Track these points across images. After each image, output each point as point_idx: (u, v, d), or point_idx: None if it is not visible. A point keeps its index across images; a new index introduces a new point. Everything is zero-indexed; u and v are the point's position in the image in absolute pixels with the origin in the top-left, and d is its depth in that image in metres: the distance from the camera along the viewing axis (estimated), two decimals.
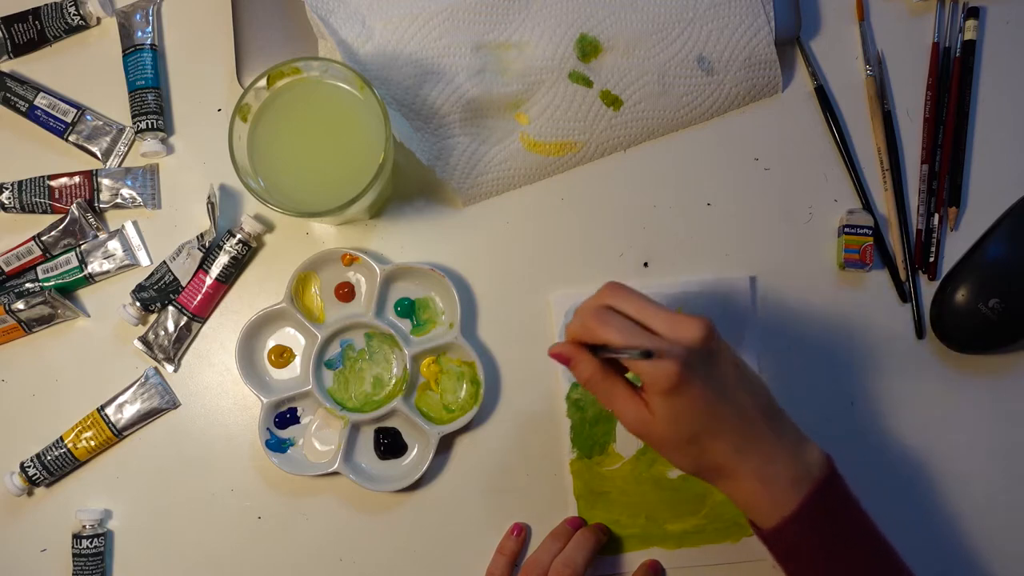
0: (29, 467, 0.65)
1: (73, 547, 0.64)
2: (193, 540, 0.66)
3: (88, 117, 0.67)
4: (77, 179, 0.66)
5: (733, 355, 0.51)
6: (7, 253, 0.66)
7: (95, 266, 0.66)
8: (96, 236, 0.67)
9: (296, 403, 0.66)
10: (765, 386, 0.53)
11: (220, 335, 0.67)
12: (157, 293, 0.66)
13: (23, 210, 0.67)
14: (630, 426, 0.51)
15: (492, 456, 0.66)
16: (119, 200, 0.67)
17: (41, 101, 0.67)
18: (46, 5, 0.67)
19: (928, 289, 0.66)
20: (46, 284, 0.66)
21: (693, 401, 0.48)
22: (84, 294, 0.67)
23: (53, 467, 0.65)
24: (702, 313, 0.65)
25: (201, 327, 0.67)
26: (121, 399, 0.65)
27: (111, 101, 0.68)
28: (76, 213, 0.66)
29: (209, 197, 0.65)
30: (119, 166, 0.68)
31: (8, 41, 0.68)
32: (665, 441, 0.50)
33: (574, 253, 0.67)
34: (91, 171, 0.67)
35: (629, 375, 0.53)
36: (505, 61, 0.64)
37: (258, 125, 0.58)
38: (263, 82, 0.56)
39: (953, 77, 0.67)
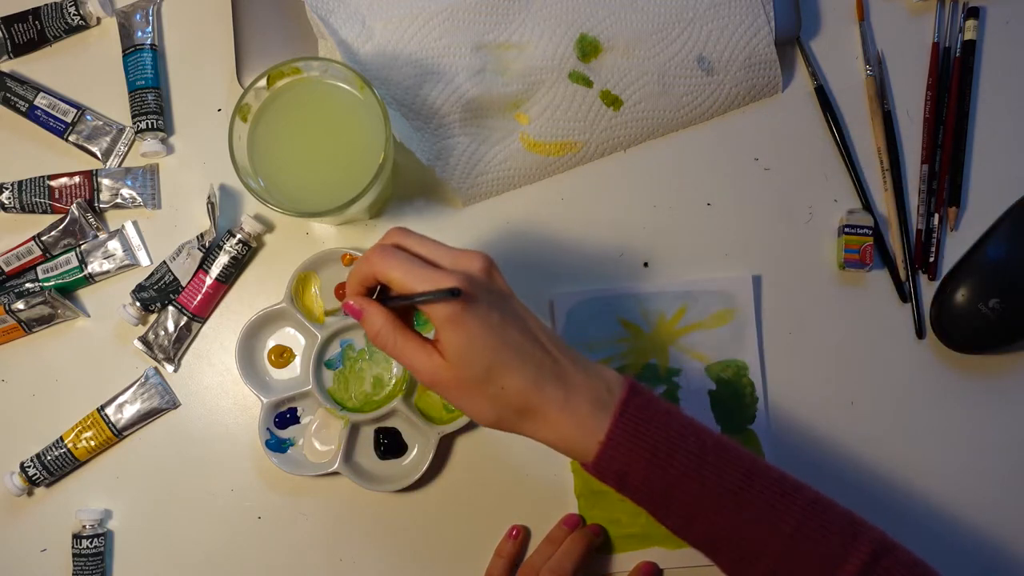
0: (29, 467, 0.65)
1: (73, 547, 0.64)
2: (193, 540, 0.66)
3: (88, 117, 0.67)
4: (77, 179, 0.67)
5: (506, 284, 0.50)
6: (7, 253, 0.66)
7: (95, 266, 0.66)
8: (96, 236, 0.67)
9: (296, 403, 0.66)
10: (543, 322, 0.51)
11: (220, 335, 0.67)
12: (157, 293, 0.66)
13: (23, 210, 0.67)
14: (425, 376, 0.49)
15: (492, 456, 0.66)
16: (119, 200, 0.67)
17: (41, 101, 0.67)
18: (46, 5, 0.67)
19: (928, 289, 0.66)
20: (46, 284, 0.66)
21: (482, 328, 0.47)
22: (84, 294, 0.67)
23: (53, 467, 0.65)
24: (702, 312, 0.66)
25: (201, 327, 0.67)
26: (121, 399, 0.65)
27: (111, 101, 0.68)
28: (76, 213, 0.66)
29: (209, 197, 0.65)
30: (119, 166, 0.68)
31: (8, 41, 0.68)
32: (460, 384, 0.48)
33: (574, 253, 0.67)
34: (91, 171, 0.67)
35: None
36: (505, 61, 0.64)
37: (258, 125, 0.58)
38: (263, 82, 0.56)
39: (953, 77, 0.67)
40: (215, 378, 0.67)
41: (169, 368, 0.67)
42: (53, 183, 0.66)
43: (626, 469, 0.48)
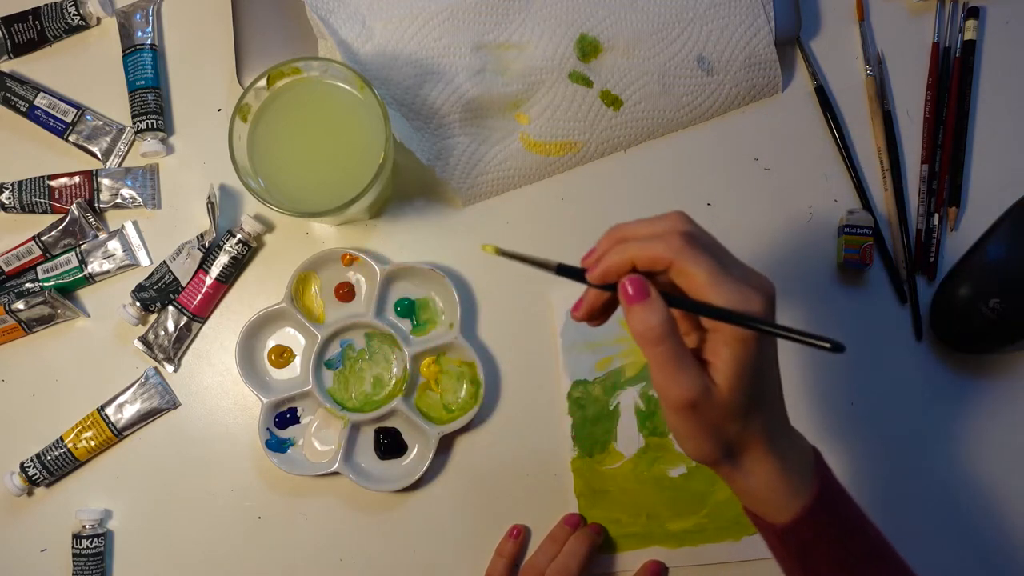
0: (29, 467, 0.65)
1: (73, 547, 0.64)
2: (193, 540, 0.66)
3: (88, 117, 0.67)
4: (77, 179, 0.67)
5: None
6: (7, 253, 0.66)
7: (95, 266, 0.66)
8: (96, 236, 0.67)
9: (296, 403, 0.66)
10: None
11: (220, 335, 0.67)
12: (157, 293, 0.66)
13: (23, 210, 0.67)
14: (688, 394, 0.42)
15: (492, 456, 0.66)
16: (119, 200, 0.67)
17: (41, 101, 0.67)
18: (46, 5, 0.67)
19: (928, 289, 0.66)
20: (46, 284, 0.66)
21: (763, 356, 0.42)
22: (84, 294, 0.67)
23: (53, 467, 0.65)
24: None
25: (201, 327, 0.67)
26: (121, 399, 0.65)
27: (111, 101, 0.68)
28: (76, 213, 0.66)
29: (209, 197, 0.65)
30: (119, 166, 0.68)
31: (8, 41, 0.68)
32: (717, 412, 0.43)
33: (574, 253, 0.67)
34: (91, 171, 0.67)
35: None
36: (505, 61, 0.64)
37: (258, 125, 0.58)
38: (263, 82, 0.56)
39: (953, 77, 0.67)
40: (215, 378, 0.67)
41: (169, 368, 0.67)
42: (53, 183, 0.66)
43: (813, 541, 0.46)
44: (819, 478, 0.46)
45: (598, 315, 0.47)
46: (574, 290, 0.66)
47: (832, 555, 0.47)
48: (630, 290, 0.42)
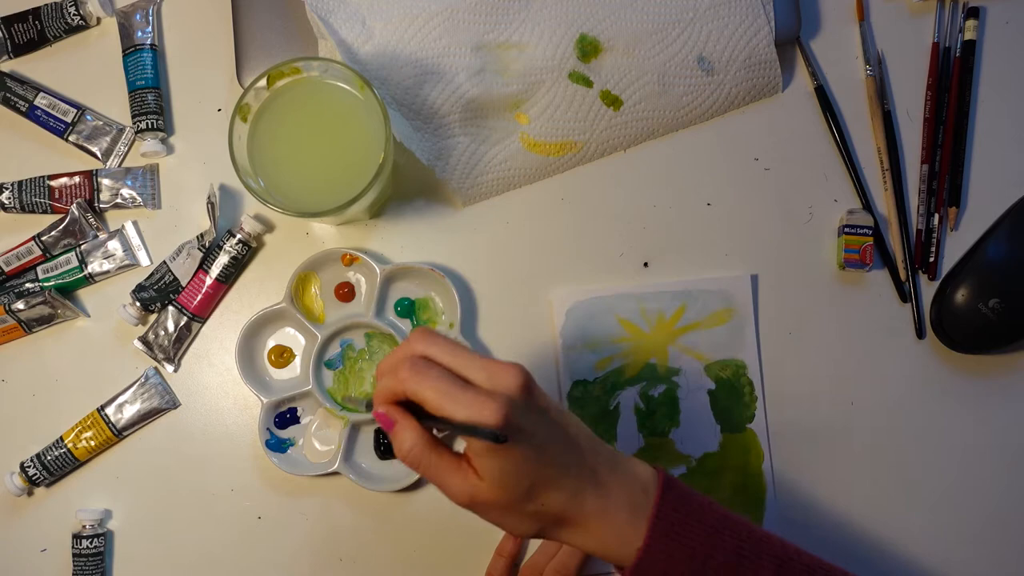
0: (29, 467, 0.65)
1: (73, 547, 0.64)
2: (193, 540, 0.66)
3: (88, 117, 0.67)
4: (77, 179, 0.67)
5: (549, 397, 0.48)
6: (7, 253, 0.66)
7: (95, 266, 0.66)
8: (96, 236, 0.67)
9: (296, 403, 0.66)
10: (583, 423, 0.50)
11: (220, 335, 0.67)
12: (157, 293, 0.66)
13: (23, 210, 0.67)
14: (461, 499, 0.46)
15: None
16: (119, 200, 0.67)
17: (41, 101, 0.67)
18: (46, 5, 0.67)
19: (928, 289, 0.66)
20: (46, 284, 0.66)
21: (521, 452, 0.45)
22: (84, 294, 0.67)
23: (53, 467, 0.65)
24: (701, 312, 0.66)
25: (201, 327, 0.67)
26: (121, 399, 0.65)
27: (111, 101, 0.68)
28: (76, 213, 0.66)
29: (209, 197, 0.65)
30: (119, 166, 0.68)
31: (8, 41, 0.68)
32: (499, 506, 0.46)
33: (574, 253, 0.67)
34: (91, 171, 0.67)
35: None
36: (505, 61, 0.64)
37: (258, 125, 0.58)
38: (263, 82, 0.56)
39: (953, 77, 0.67)
40: (215, 378, 0.67)
41: (169, 368, 0.67)
42: (53, 183, 0.66)
43: (665, 572, 0.47)
44: (655, 507, 0.47)
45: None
46: (574, 290, 0.66)
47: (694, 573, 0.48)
48: (379, 421, 0.47)
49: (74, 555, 0.64)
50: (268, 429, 0.65)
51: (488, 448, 0.44)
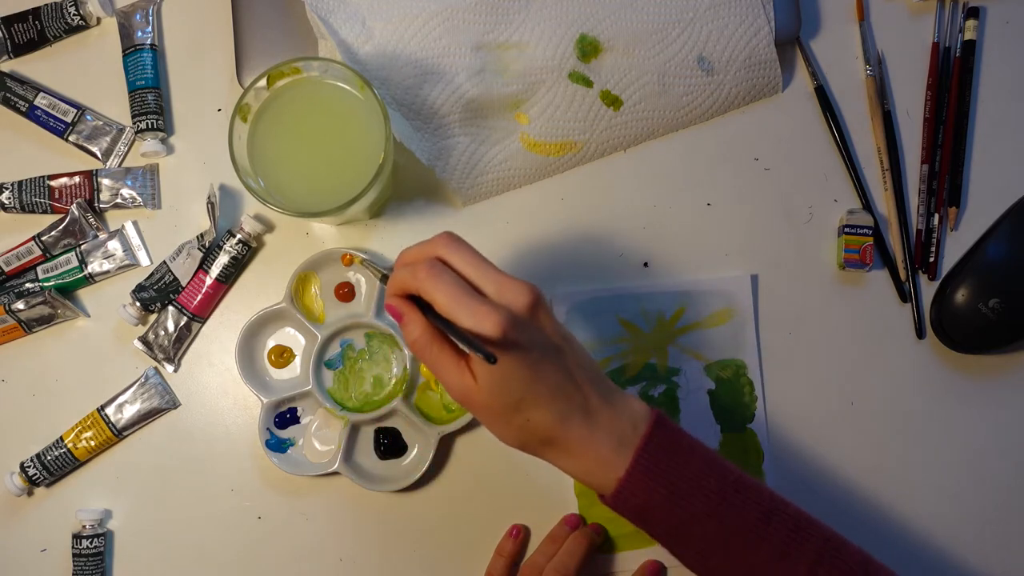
0: (29, 467, 0.65)
1: (73, 547, 0.64)
2: (193, 540, 0.66)
3: (88, 117, 0.67)
4: (77, 179, 0.67)
5: (557, 322, 0.50)
6: (7, 253, 0.66)
7: (95, 266, 0.66)
8: (96, 236, 0.67)
9: (296, 403, 0.66)
10: (588, 354, 0.51)
11: (220, 335, 0.67)
12: (157, 293, 0.66)
13: (23, 210, 0.67)
14: (454, 394, 0.49)
15: (492, 456, 0.66)
16: (119, 200, 0.67)
17: (41, 101, 0.67)
18: (46, 5, 0.67)
19: (928, 289, 0.66)
20: (46, 284, 0.66)
21: (515, 367, 0.47)
22: (84, 294, 0.67)
23: (53, 467, 0.65)
24: (701, 312, 0.66)
25: (201, 327, 0.67)
26: (121, 399, 0.65)
27: (111, 101, 0.68)
28: (76, 213, 0.66)
29: (209, 197, 0.65)
30: (119, 166, 0.68)
31: (8, 41, 0.68)
32: (488, 409, 0.49)
33: (574, 253, 0.67)
34: (91, 171, 0.67)
35: None
36: (505, 61, 0.64)
37: (258, 125, 0.58)
38: (263, 82, 0.56)
39: (953, 77, 0.67)
40: (215, 378, 0.67)
41: (169, 368, 0.67)
42: (53, 183, 0.66)
43: (644, 505, 0.49)
44: (642, 441, 0.49)
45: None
46: (574, 290, 0.66)
47: (666, 519, 0.49)
48: (389, 312, 0.50)
49: (74, 555, 0.64)
50: (268, 429, 0.65)
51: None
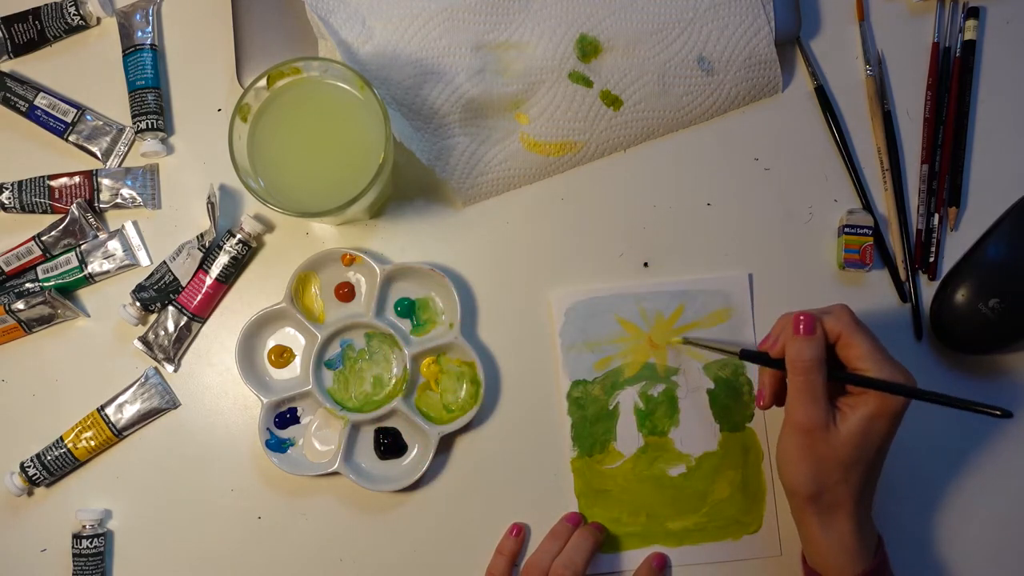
0: (29, 467, 0.65)
1: (73, 547, 0.64)
2: (193, 540, 0.66)
3: (88, 117, 0.67)
4: (77, 179, 0.67)
5: None
6: (7, 253, 0.66)
7: (95, 266, 0.66)
8: (96, 236, 0.67)
9: (296, 403, 0.66)
10: None
11: (220, 335, 0.67)
12: (157, 293, 0.66)
13: (23, 210, 0.67)
14: (798, 420, 0.51)
15: (492, 456, 0.66)
16: (119, 200, 0.67)
17: (41, 101, 0.67)
18: (46, 5, 0.67)
19: (928, 289, 0.66)
20: (46, 284, 0.66)
21: (886, 433, 0.51)
22: (84, 294, 0.67)
23: (53, 467, 0.65)
24: (700, 311, 0.66)
25: (201, 327, 0.67)
26: (121, 399, 0.65)
27: (111, 101, 0.68)
28: (76, 213, 0.66)
29: (209, 197, 0.65)
30: (119, 166, 0.68)
31: (8, 41, 0.68)
32: (833, 451, 0.51)
33: (574, 253, 0.67)
34: (91, 171, 0.67)
35: None
36: (505, 61, 0.64)
37: (258, 125, 0.58)
38: (263, 82, 0.56)
39: (953, 77, 0.67)
40: (215, 378, 0.67)
41: (169, 368, 0.67)
42: (53, 183, 0.66)
43: None
44: (879, 558, 0.54)
45: (780, 397, 0.55)
46: (573, 290, 0.66)
47: None
48: (801, 325, 0.51)
49: (74, 555, 0.64)
50: (268, 429, 0.65)
51: (887, 412, 0.50)
